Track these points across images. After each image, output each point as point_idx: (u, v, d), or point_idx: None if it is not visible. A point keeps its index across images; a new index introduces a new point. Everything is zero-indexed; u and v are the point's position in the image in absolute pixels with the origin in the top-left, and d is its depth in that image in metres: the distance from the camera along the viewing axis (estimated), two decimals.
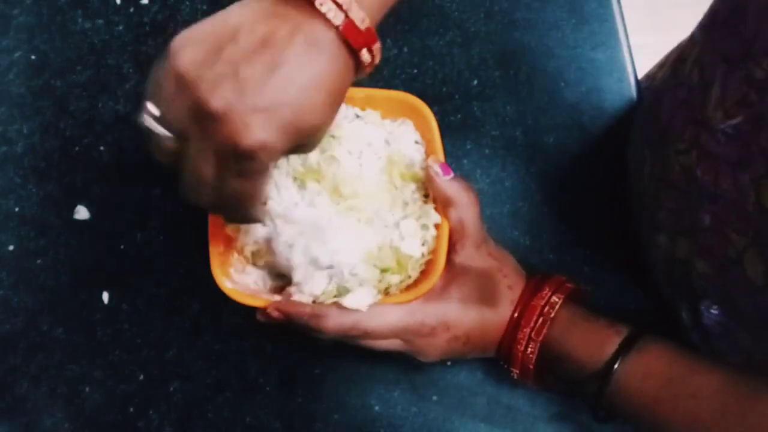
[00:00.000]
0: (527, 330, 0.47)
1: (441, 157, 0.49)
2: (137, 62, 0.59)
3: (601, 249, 0.57)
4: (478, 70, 0.59)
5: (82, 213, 0.57)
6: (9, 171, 0.57)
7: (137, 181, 0.57)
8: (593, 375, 0.45)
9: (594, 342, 0.46)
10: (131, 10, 0.60)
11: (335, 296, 0.47)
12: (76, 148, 0.58)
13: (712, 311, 0.45)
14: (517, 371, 0.49)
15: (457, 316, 0.48)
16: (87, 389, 0.55)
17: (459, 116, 0.58)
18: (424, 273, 0.48)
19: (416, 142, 0.50)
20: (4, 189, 0.57)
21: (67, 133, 0.58)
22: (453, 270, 0.48)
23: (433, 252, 0.48)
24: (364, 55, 0.37)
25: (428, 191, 0.49)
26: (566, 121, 0.59)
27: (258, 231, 0.50)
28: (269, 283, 0.49)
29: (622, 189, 0.56)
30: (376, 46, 0.38)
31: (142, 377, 0.55)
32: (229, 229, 0.50)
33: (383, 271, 0.47)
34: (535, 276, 0.50)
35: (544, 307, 0.48)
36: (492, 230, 0.51)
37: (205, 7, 0.60)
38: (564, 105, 0.59)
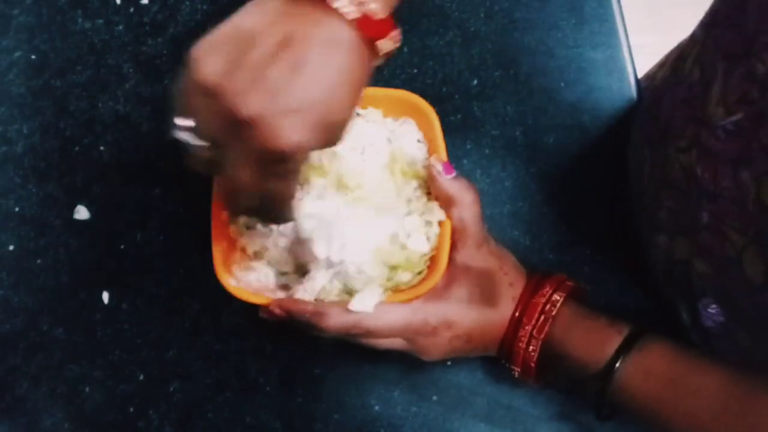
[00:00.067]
0: (528, 328, 0.48)
1: (443, 155, 0.49)
2: (137, 62, 0.59)
3: (601, 249, 0.57)
4: (478, 70, 0.59)
5: (82, 213, 0.57)
6: (9, 171, 0.57)
7: (137, 181, 0.57)
8: (595, 374, 0.45)
9: (595, 341, 0.46)
10: (131, 10, 0.60)
11: (342, 293, 0.47)
12: (76, 148, 0.58)
13: (711, 310, 0.45)
14: (519, 369, 0.49)
15: (459, 315, 0.48)
16: (87, 389, 0.55)
17: (459, 116, 0.58)
18: (426, 271, 0.48)
19: (418, 141, 0.50)
20: (4, 189, 0.57)
21: (67, 133, 0.58)
22: (454, 269, 0.48)
23: (436, 249, 0.48)
24: (383, 44, 0.38)
25: (430, 189, 0.49)
26: (566, 121, 0.59)
27: (260, 229, 0.50)
28: (272, 280, 0.50)
29: (622, 189, 0.56)
30: (395, 34, 0.38)
31: (142, 377, 0.55)
32: (232, 230, 0.50)
33: (392, 268, 0.47)
34: (536, 274, 0.50)
35: (545, 305, 0.48)
36: (492, 230, 0.51)
37: (205, 7, 0.60)
38: (564, 105, 0.59)
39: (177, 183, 0.57)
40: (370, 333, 0.46)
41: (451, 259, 0.48)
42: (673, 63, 0.51)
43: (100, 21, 0.60)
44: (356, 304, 0.45)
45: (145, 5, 0.60)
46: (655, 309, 0.55)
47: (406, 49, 0.59)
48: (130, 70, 0.59)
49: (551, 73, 0.59)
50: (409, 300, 0.47)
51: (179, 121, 0.37)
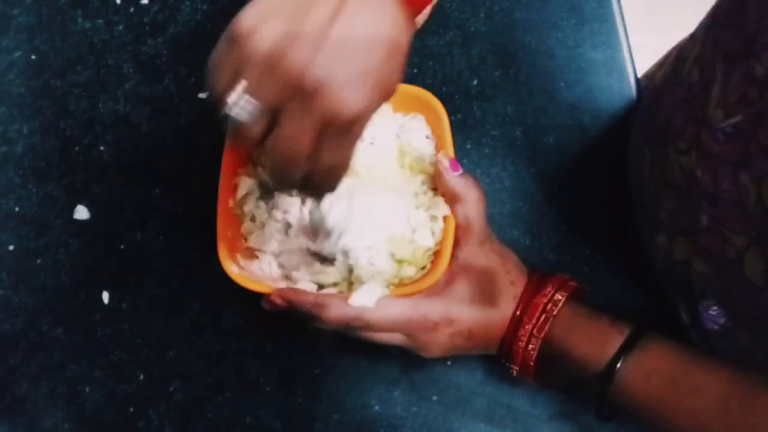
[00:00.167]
0: (529, 327, 0.48)
1: (451, 152, 0.49)
2: (137, 62, 0.59)
3: (601, 249, 0.57)
4: (478, 70, 0.59)
5: (82, 213, 0.57)
6: (9, 171, 0.57)
7: (137, 181, 0.57)
8: (595, 374, 0.45)
9: (596, 340, 0.46)
10: (131, 10, 0.60)
11: (343, 284, 0.47)
12: (76, 148, 0.58)
13: (712, 312, 0.45)
14: (517, 368, 0.49)
15: (460, 311, 0.48)
16: (87, 389, 0.55)
17: (459, 116, 0.58)
18: (429, 266, 0.48)
19: (426, 137, 0.51)
20: (4, 189, 0.57)
21: (67, 133, 0.58)
22: (457, 266, 0.48)
23: (440, 244, 0.48)
24: (419, 18, 0.38)
25: (436, 185, 0.50)
26: (566, 121, 0.59)
27: (261, 215, 0.50)
28: (275, 271, 0.50)
29: (622, 189, 0.56)
30: (427, 9, 0.38)
31: (142, 377, 0.55)
32: (235, 216, 0.50)
33: (399, 262, 0.48)
34: (537, 273, 0.50)
35: (546, 304, 0.48)
36: (492, 230, 0.51)
37: (205, 7, 0.60)
38: (564, 105, 0.59)
39: (177, 183, 0.57)
40: (370, 326, 0.46)
41: (453, 256, 0.48)
42: (673, 63, 0.51)
43: (100, 21, 0.60)
44: (357, 299, 0.45)
45: (145, 5, 0.60)
46: (655, 309, 0.55)
47: None
48: (130, 70, 0.59)
49: (551, 73, 0.59)
50: (411, 294, 0.47)
51: (232, 93, 0.35)
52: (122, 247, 0.56)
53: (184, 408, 0.54)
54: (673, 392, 0.43)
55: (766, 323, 0.40)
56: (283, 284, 0.48)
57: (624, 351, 0.45)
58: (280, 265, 0.50)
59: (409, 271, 0.48)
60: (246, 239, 0.51)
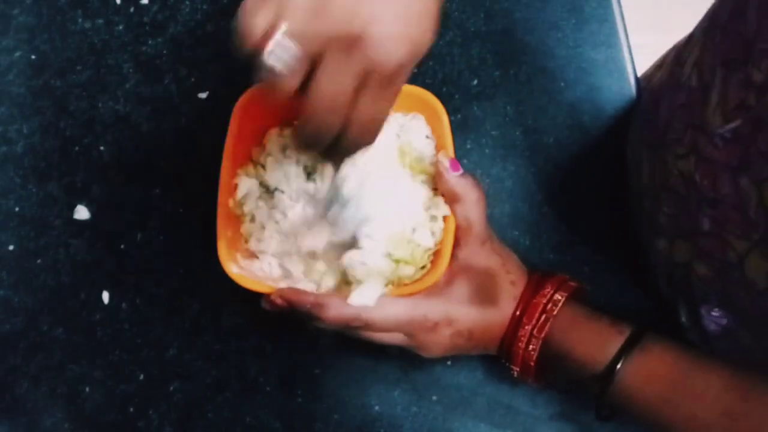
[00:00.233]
0: (529, 327, 0.48)
1: (451, 152, 0.49)
2: (137, 62, 0.59)
3: (601, 249, 0.57)
4: (478, 70, 0.59)
5: (82, 213, 0.57)
6: (9, 171, 0.57)
7: (137, 181, 0.57)
8: (595, 374, 0.45)
9: (596, 341, 0.46)
10: (131, 10, 0.60)
11: (341, 284, 0.48)
12: (76, 148, 0.58)
13: (713, 314, 0.45)
14: (518, 369, 0.49)
15: (460, 311, 0.48)
16: (87, 389, 0.55)
17: (459, 116, 0.58)
18: (429, 266, 0.48)
19: (427, 137, 0.51)
20: (4, 189, 0.57)
21: (67, 133, 0.58)
22: (457, 266, 0.48)
23: (440, 244, 0.48)
24: None
25: (436, 185, 0.50)
26: (566, 121, 0.59)
27: (261, 215, 0.50)
28: (276, 271, 0.50)
29: (622, 189, 0.56)
30: None
31: (142, 377, 0.55)
32: (233, 215, 0.50)
33: (397, 262, 0.48)
34: (536, 273, 0.50)
35: (546, 304, 0.48)
36: (492, 230, 0.51)
37: (205, 7, 0.60)
38: (564, 105, 0.59)
39: (177, 183, 0.57)
40: (369, 326, 0.46)
41: (454, 256, 0.48)
42: (671, 66, 0.51)
43: (100, 21, 0.60)
44: (356, 298, 0.45)
45: (145, 5, 0.60)
46: (655, 309, 0.55)
47: None
48: (130, 70, 0.59)
49: (551, 73, 0.59)
50: (411, 294, 0.47)
51: (270, 39, 0.34)
52: (122, 247, 0.56)
53: (184, 408, 0.54)
54: (673, 393, 0.43)
55: (767, 323, 0.40)
56: (283, 284, 0.48)
57: (624, 352, 0.45)
58: (280, 265, 0.50)
59: (408, 271, 0.48)
60: (246, 239, 0.51)
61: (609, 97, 0.59)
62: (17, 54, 0.59)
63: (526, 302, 0.48)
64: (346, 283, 0.48)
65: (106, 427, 0.54)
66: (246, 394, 0.55)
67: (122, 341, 0.55)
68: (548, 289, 0.48)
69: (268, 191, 0.50)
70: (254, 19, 0.34)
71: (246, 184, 0.50)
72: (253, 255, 0.50)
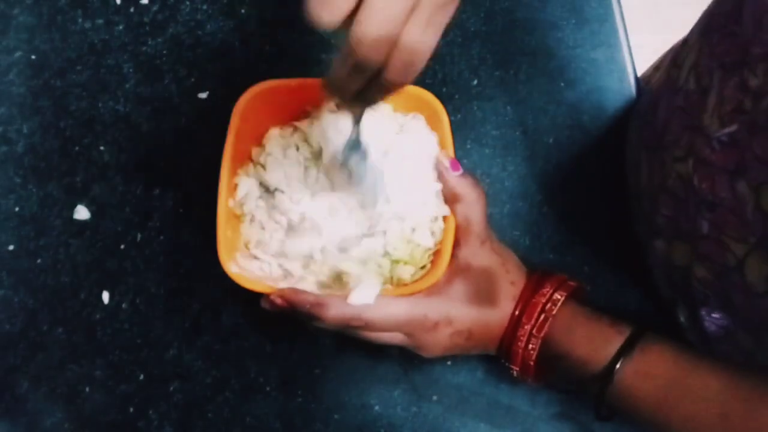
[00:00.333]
0: (528, 327, 0.48)
1: (451, 152, 0.49)
2: (137, 62, 0.59)
3: (601, 249, 0.57)
4: (478, 70, 0.59)
5: (82, 213, 0.57)
6: (9, 171, 0.57)
7: (137, 181, 0.57)
8: (595, 374, 0.45)
9: (596, 341, 0.46)
10: (131, 10, 0.60)
11: (335, 284, 0.48)
12: (76, 148, 0.58)
13: (714, 315, 0.45)
14: (517, 368, 0.49)
15: (459, 311, 0.48)
16: (87, 389, 0.55)
17: (459, 116, 0.58)
18: (429, 266, 0.48)
19: (427, 137, 0.51)
20: (4, 189, 0.57)
21: (67, 133, 0.58)
22: (457, 265, 0.48)
23: (440, 244, 0.48)
24: None
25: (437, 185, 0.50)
26: (566, 121, 0.59)
27: (261, 215, 0.50)
28: (275, 270, 0.50)
29: (622, 189, 0.56)
30: None
31: (142, 377, 0.55)
32: (233, 216, 0.50)
33: (395, 262, 0.48)
34: (536, 273, 0.50)
35: (546, 304, 0.48)
36: (492, 230, 0.51)
37: (205, 7, 0.60)
38: (564, 105, 0.59)
39: (177, 183, 0.57)
40: (369, 326, 0.46)
41: (453, 256, 0.48)
42: (668, 68, 0.51)
43: (100, 21, 0.60)
44: (356, 297, 0.45)
45: (145, 5, 0.60)
46: (654, 310, 0.55)
47: None
48: (130, 70, 0.59)
49: (551, 73, 0.59)
50: (411, 294, 0.47)
51: None
52: (122, 247, 0.56)
53: (184, 408, 0.54)
54: (672, 393, 0.43)
55: (767, 326, 0.40)
56: (282, 284, 0.48)
57: (623, 352, 0.45)
58: (280, 265, 0.50)
59: (408, 271, 0.48)
60: (246, 239, 0.51)
61: (609, 97, 0.59)
62: (17, 54, 0.59)
63: (525, 302, 0.48)
64: (344, 283, 0.48)
65: (106, 427, 0.54)
66: (246, 394, 0.55)
67: (122, 341, 0.55)
68: (547, 289, 0.48)
69: (268, 191, 0.50)
70: None
71: (246, 184, 0.50)
72: (252, 255, 0.50)
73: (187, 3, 0.60)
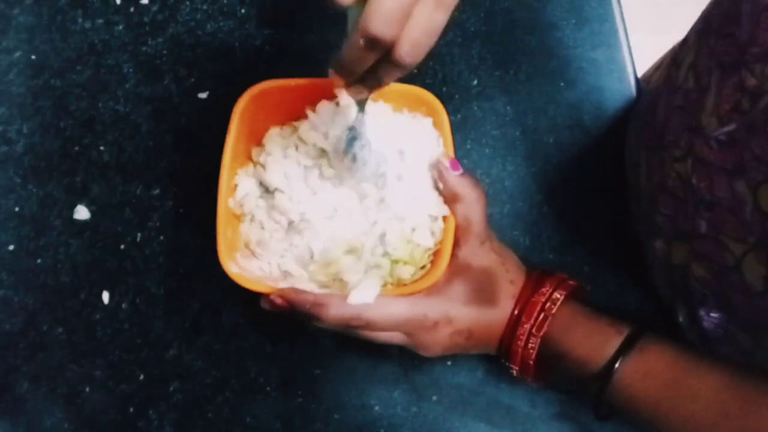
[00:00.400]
0: (527, 326, 0.48)
1: (451, 152, 0.49)
2: (137, 62, 0.59)
3: (601, 249, 0.57)
4: (478, 70, 0.59)
5: (82, 213, 0.57)
6: (9, 171, 0.57)
7: (137, 181, 0.57)
8: (594, 373, 0.45)
9: (595, 340, 0.46)
10: (131, 10, 0.60)
11: (334, 283, 0.48)
12: (76, 148, 0.58)
13: (712, 315, 0.45)
14: (517, 368, 0.49)
15: (459, 310, 0.48)
16: (87, 389, 0.55)
17: (459, 116, 0.58)
18: (429, 266, 0.48)
19: (430, 136, 0.51)
20: (4, 189, 0.57)
21: (67, 133, 0.58)
22: (457, 265, 0.48)
23: (440, 244, 0.48)
24: None
25: (437, 185, 0.50)
26: (566, 121, 0.59)
27: (261, 215, 0.50)
28: (275, 270, 0.50)
29: (622, 189, 0.56)
30: None
31: (142, 377, 0.55)
32: (233, 215, 0.50)
33: (394, 262, 0.48)
34: (535, 272, 0.50)
35: (545, 303, 0.48)
36: (492, 230, 0.51)
37: (205, 7, 0.60)
38: (564, 105, 0.59)
39: (177, 183, 0.57)
40: (369, 325, 0.46)
41: (453, 256, 0.48)
42: (668, 68, 0.51)
43: (100, 21, 0.60)
44: (355, 297, 0.45)
45: (145, 5, 0.60)
46: (654, 309, 0.55)
47: None
48: (130, 70, 0.59)
49: (551, 73, 0.59)
50: (411, 293, 0.47)
51: None
52: (122, 247, 0.56)
53: (184, 408, 0.54)
54: (670, 393, 0.43)
55: (766, 327, 0.40)
56: (282, 284, 0.48)
57: (622, 351, 0.45)
58: (280, 265, 0.50)
59: (408, 271, 0.48)
60: (246, 239, 0.51)
61: (609, 97, 0.59)
62: (17, 54, 0.59)
63: (524, 301, 0.48)
64: (344, 283, 0.48)
65: (106, 427, 0.54)
66: (246, 394, 0.55)
67: (122, 341, 0.55)
68: (547, 288, 0.48)
69: (267, 191, 0.50)
70: None
71: (246, 184, 0.50)
72: (252, 255, 0.50)
73: (187, 3, 0.60)
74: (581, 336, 0.47)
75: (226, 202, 0.49)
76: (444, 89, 0.59)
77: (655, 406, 0.44)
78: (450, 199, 0.48)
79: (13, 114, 0.58)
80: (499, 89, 0.59)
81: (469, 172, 0.49)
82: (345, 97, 0.50)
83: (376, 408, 0.54)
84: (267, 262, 0.50)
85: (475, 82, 0.59)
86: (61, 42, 0.59)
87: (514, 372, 0.49)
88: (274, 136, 0.52)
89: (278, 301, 0.46)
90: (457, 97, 0.59)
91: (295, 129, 0.51)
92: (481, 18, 0.60)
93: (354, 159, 0.47)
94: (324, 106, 0.51)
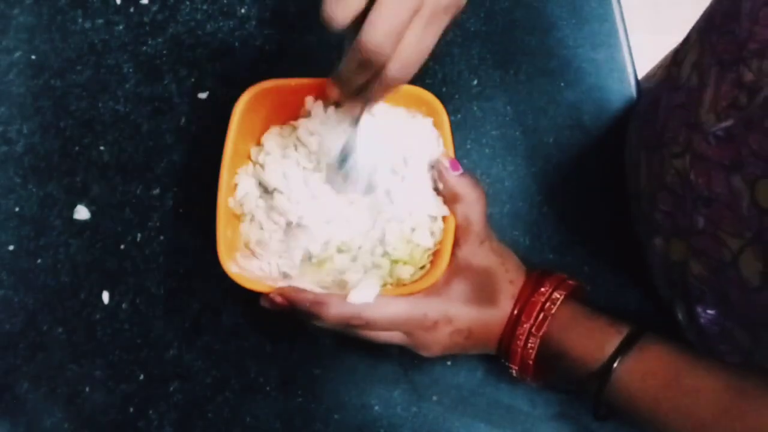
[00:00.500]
0: (527, 326, 0.48)
1: (451, 152, 0.49)
2: (137, 62, 0.59)
3: (601, 249, 0.57)
4: (478, 70, 0.59)
5: (82, 213, 0.57)
6: (9, 171, 0.57)
7: (137, 181, 0.57)
8: (593, 373, 0.45)
9: (594, 340, 0.46)
10: (131, 10, 0.60)
11: (334, 284, 0.48)
12: (76, 148, 0.58)
13: (709, 312, 0.45)
14: (516, 367, 0.49)
15: (459, 310, 0.48)
16: (87, 389, 0.55)
17: (459, 116, 0.58)
18: (429, 265, 0.48)
19: (431, 136, 0.51)
20: (4, 189, 0.57)
21: (67, 133, 0.58)
22: (456, 265, 0.48)
23: (439, 244, 0.48)
24: None
25: (436, 185, 0.50)
26: (566, 121, 0.59)
27: (261, 215, 0.50)
28: (275, 270, 0.50)
29: (622, 189, 0.56)
30: None
31: (142, 377, 0.55)
32: (233, 215, 0.50)
33: (394, 262, 0.48)
34: (534, 272, 0.50)
35: (545, 303, 0.48)
36: (492, 230, 0.51)
37: (205, 7, 0.60)
38: (564, 105, 0.59)
39: (177, 183, 0.57)
40: (369, 325, 0.46)
41: (453, 255, 0.48)
42: (668, 67, 0.51)
43: (100, 21, 0.60)
44: (355, 296, 0.45)
45: (145, 5, 0.60)
46: (654, 309, 0.55)
47: None
48: (130, 70, 0.59)
49: (551, 73, 0.59)
50: (411, 293, 0.47)
51: None
52: (122, 247, 0.56)
53: (184, 408, 0.54)
54: (670, 393, 0.43)
55: (764, 323, 0.40)
56: (282, 284, 0.48)
57: (621, 351, 0.45)
58: (279, 265, 0.50)
59: (407, 271, 0.48)
60: (246, 239, 0.51)
61: (609, 97, 0.59)
62: (17, 54, 0.59)
63: (524, 301, 0.48)
64: (344, 282, 0.48)
65: (106, 427, 0.54)
66: (246, 394, 0.55)
67: (122, 341, 0.55)
68: (546, 288, 0.48)
69: (267, 191, 0.50)
70: None
71: (246, 184, 0.50)
72: (252, 255, 0.50)
73: (187, 3, 0.60)
74: (581, 336, 0.47)
75: (226, 202, 0.49)
76: (444, 89, 0.59)
77: (655, 405, 0.44)
78: (450, 199, 0.49)
79: (13, 114, 0.58)
80: (499, 89, 0.59)
81: (469, 172, 0.49)
82: (339, 114, 0.50)
83: (376, 408, 0.54)
84: (267, 262, 0.50)
85: (475, 82, 0.59)
86: (61, 42, 0.59)
87: (514, 372, 0.49)
88: (273, 135, 0.52)
89: (278, 299, 0.46)
90: (457, 97, 0.59)
91: (295, 129, 0.51)
92: (481, 18, 0.60)
93: (346, 178, 0.48)
94: (319, 108, 0.51)
